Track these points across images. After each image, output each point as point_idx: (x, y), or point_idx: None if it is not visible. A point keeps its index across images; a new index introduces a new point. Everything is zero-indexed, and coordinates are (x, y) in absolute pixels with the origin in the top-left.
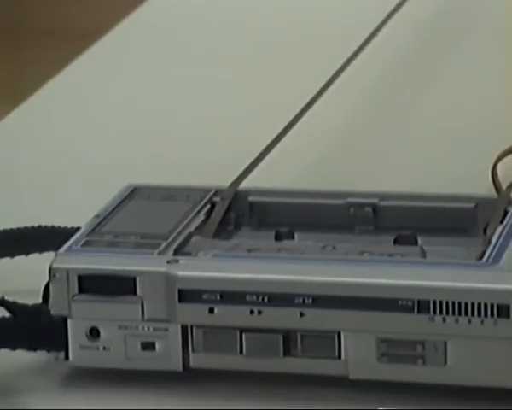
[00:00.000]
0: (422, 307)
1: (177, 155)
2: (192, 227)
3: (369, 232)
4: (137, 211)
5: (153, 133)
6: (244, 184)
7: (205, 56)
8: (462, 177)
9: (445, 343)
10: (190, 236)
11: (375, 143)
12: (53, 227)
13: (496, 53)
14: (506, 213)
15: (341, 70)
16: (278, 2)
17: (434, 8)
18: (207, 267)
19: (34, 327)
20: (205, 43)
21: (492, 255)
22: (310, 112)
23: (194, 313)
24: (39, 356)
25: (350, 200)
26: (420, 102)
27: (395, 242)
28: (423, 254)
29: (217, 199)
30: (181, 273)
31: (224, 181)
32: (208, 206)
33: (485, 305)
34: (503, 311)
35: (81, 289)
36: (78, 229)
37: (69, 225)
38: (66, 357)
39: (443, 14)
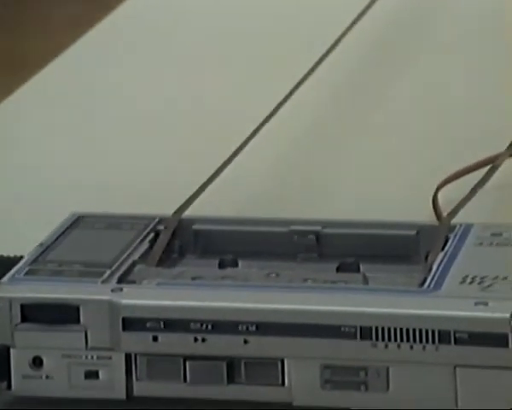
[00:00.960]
0: (365, 333)
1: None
2: (136, 256)
3: (313, 260)
4: (81, 240)
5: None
6: (188, 213)
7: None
8: (404, 203)
9: (388, 369)
10: (134, 264)
11: (320, 168)
12: None
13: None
14: (447, 240)
15: (294, 89)
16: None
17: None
18: (151, 295)
19: None
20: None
21: (433, 282)
22: (253, 140)
23: (137, 342)
24: None
25: (293, 228)
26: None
27: (338, 269)
28: (366, 281)
29: (161, 227)
30: (125, 301)
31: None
32: (152, 234)
33: (427, 331)
34: (444, 337)
35: (24, 319)
36: (21, 258)
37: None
38: (9, 387)
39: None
